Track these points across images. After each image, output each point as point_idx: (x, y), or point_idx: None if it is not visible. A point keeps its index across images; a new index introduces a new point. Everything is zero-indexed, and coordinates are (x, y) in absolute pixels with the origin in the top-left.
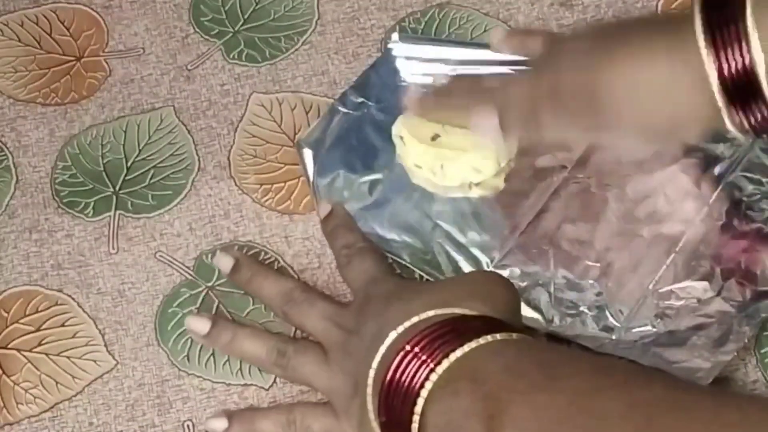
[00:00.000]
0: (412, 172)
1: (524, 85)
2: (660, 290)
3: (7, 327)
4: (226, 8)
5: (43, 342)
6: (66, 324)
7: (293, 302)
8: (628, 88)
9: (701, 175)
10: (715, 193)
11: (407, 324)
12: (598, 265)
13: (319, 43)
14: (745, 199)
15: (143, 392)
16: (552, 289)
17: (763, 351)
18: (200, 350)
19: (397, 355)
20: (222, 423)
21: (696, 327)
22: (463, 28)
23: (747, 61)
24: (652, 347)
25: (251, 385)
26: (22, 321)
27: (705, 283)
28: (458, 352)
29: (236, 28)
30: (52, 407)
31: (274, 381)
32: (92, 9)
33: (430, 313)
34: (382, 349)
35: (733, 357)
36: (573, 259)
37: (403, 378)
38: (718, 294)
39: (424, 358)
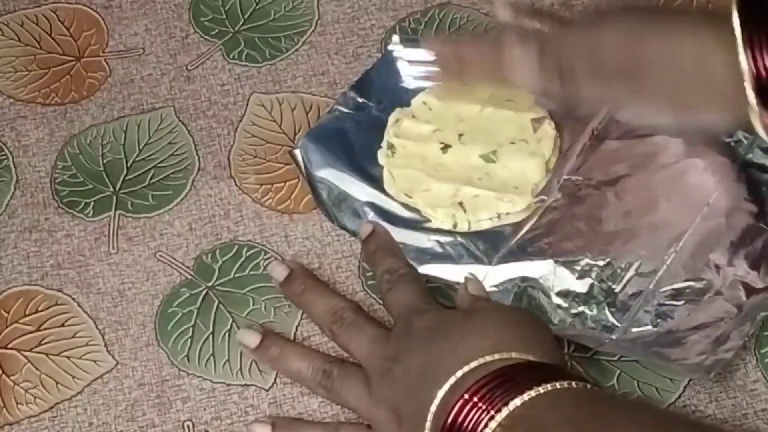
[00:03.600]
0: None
1: (566, 38)
2: (660, 290)
3: (7, 327)
4: (226, 8)
5: (43, 342)
6: (66, 324)
7: (341, 322)
8: (668, 56)
9: (702, 176)
10: (715, 193)
11: (466, 369)
12: (598, 264)
13: (319, 44)
14: (745, 197)
15: (143, 392)
16: (552, 289)
17: (763, 351)
18: (200, 350)
19: (457, 402)
20: (265, 430)
21: (696, 327)
22: (463, 29)
23: None
24: (653, 347)
25: (251, 385)
26: (22, 321)
27: (705, 283)
28: (518, 401)
29: (236, 28)
30: (52, 407)
31: (274, 381)
32: (92, 9)
33: (488, 358)
34: (440, 394)
35: (733, 356)
36: (573, 258)
37: (464, 425)
38: (718, 294)
39: (484, 407)
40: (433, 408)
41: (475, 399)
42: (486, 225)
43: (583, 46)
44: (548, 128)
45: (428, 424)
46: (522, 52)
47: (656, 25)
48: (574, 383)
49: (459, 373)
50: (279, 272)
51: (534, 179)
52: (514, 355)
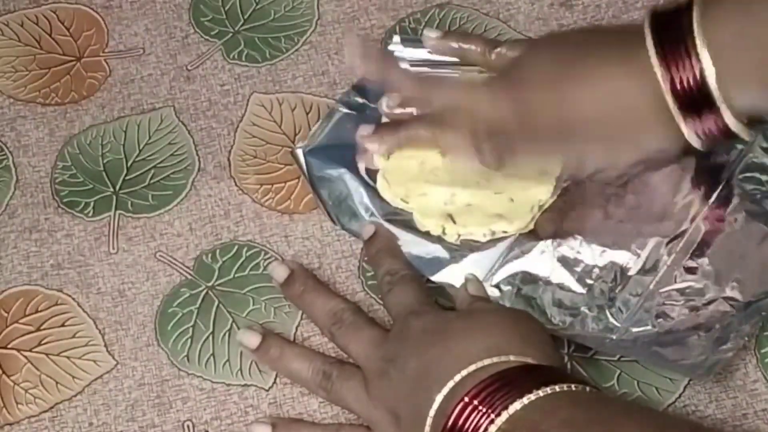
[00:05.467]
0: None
1: (491, 109)
2: (660, 290)
3: (7, 327)
4: (226, 8)
5: (43, 342)
6: (66, 324)
7: (341, 323)
8: (591, 103)
9: (702, 175)
10: (715, 193)
11: (464, 372)
12: (599, 265)
13: (319, 44)
14: (747, 198)
15: (143, 392)
16: (552, 289)
17: (763, 351)
18: (200, 350)
19: (457, 405)
20: (266, 430)
21: (696, 327)
22: (463, 29)
23: (698, 74)
24: (653, 347)
25: (251, 385)
26: (22, 321)
27: (705, 283)
28: (518, 404)
29: (236, 29)
30: (52, 407)
31: (274, 381)
32: (92, 9)
33: (487, 361)
34: (439, 398)
35: (733, 356)
36: (573, 259)
37: (464, 428)
38: (718, 294)
39: (484, 410)
40: (432, 412)
41: (475, 402)
42: (479, 239)
43: (511, 111)
44: None
45: (428, 429)
46: (454, 137)
47: (574, 70)
48: (573, 386)
49: (457, 377)
50: (279, 273)
51: (539, 196)
52: (512, 357)
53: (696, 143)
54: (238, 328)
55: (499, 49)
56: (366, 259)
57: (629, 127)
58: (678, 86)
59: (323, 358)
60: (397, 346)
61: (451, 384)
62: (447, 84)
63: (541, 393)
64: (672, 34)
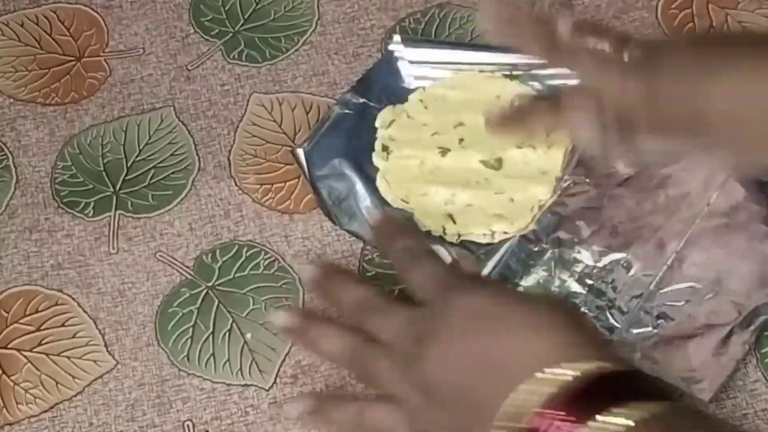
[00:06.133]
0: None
1: (619, 93)
2: (660, 291)
3: (7, 327)
4: (226, 8)
5: (43, 342)
6: (66, 324)
7: (368, 311)
8: (730, 101)
9: (707, 175)
10: (715, 194)
11: (548, 373)
12: (599, 265)
13: (319, 44)
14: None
15: (143, 392)
16: (553, 289)
17: (763, 351)
18: (200, 350)
19: (543, 411)
20: (299, 409)
21: (697, 329)
22: (463, 28)
23: None
24: (653, 353)
25: (251, 385)
26: (22, 321)
27: (706, 284)
28: (617, 419)
29: (236, 28)
30: (52, 407)
31: (275, 381)
32: (92, 9)
33: (571, 364)
34: (513, 395)
35: (734, 368)
36: (572, 259)
37: None
38: (719, 294)
39: (570, 417)
40: (504, 408)
41: (565, 411)
42: (478, 240)
43: (641, 99)
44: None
45: (499, 423)
46: (581, 114)
47: (717, 72)
48: (664, 404)
49: (539, 375)
50: (308, 273)
51: (539, 196)
52: (595, 364)
53: None
54: (239, 328)
55: (631, 50)
56: (375, 244)
57: (765, 129)
58: None
59: (358, 337)
60: (435, 326)
61: (529, 383)
62: (579, 60)
63: (639, 412)
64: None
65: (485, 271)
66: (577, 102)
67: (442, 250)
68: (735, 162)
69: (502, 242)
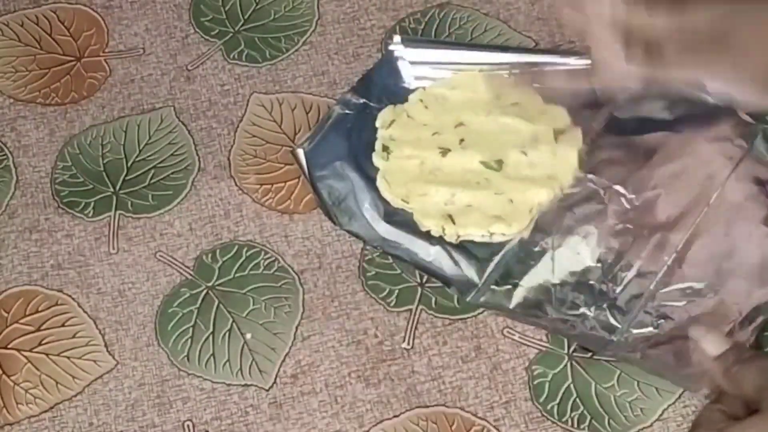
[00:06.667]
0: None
1: (647, 16)
2: (661, 291)
3: (7, 327)
4: (226, 8)
5: (43, 342)
6: (66, 324)
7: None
8: (758, 32)
9: (706, 176)
10: (715, 194)
11: None
12: (599, 266)
13: (319, 44)
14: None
15: (143, 392)
16: (554, 289)
17: (763, 351)
18: (200, 350)
19: None
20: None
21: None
22: (463, 29)
23: None
24: (654, 352)
25: (251, 385)
26: (22, 321)
27: (706, 284)
28: None
29: (236, 29)
30: (52, 407)
31: (275, 381)
32: (92, 9)
33: None
34: None
35: None
36: (574, 259)
37: None
38: (719, 294)
39: None
40: None
41: None
42: (477, 239)
43: (669, 23)
44: (574, 137)
45: None
46: (608, 44)
47: (750, 7)
48: None
49: None
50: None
51: (538, 199)
52: None
53: None
54: (239, 328)
55: None
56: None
57: None
58: None
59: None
60: None
61: None
62: None
63: None
64: None
65: (486, 271)
66: (604, 35)
67: (442, 252)
68: (754, 96)
69: (502, 244)
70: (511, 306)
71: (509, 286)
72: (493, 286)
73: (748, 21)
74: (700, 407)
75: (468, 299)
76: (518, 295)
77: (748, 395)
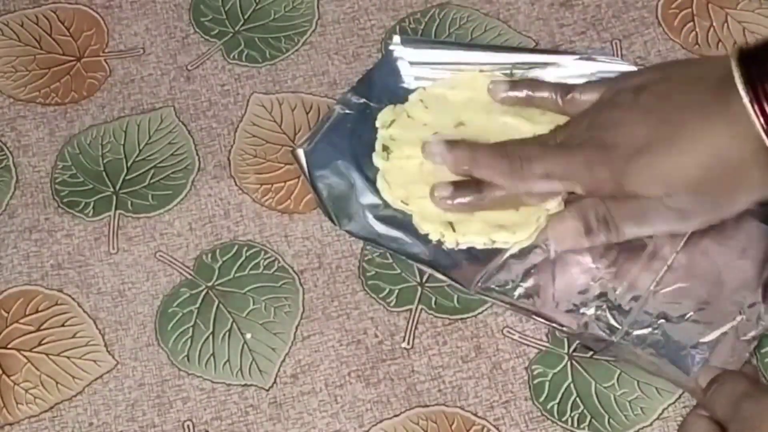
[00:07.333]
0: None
1: (590, 182)
2: (661, 291)
3: (7, 327)
4: (227, 8)
5: (43, 342)
6: (66, 324)
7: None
8: (695, 166)
9: None
10: None
11: None
12: (599, 266)
13: (319, 44)
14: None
15: (143, 392)
16: (553, 290)
17: (763, 351)
18: (200, 350)
19: None
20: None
21: (699, 330)
22: (463, 29)
23: None
24: (654, 352)
25: (251, 385)
26: (22, 321)
27: (706, 283)
28: None
29: (236, 29)
30: (52, 407)
31: (274, 381)
32: (92, 9)
33: None
34: None
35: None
36: (573, 259)
37: None
38: (719, 294)
39: None
40: None
41: None
42: (478, 246)
43: (608, 184)
44: None
45: None
46: (564, 227)
47: (668, 134)
48: None
49: None
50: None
51: (547, 206)
52: None
53: None
54: (239, 328)
55: (572, 95)
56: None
57: (734, 180)
58: None
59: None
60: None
61: None
62: (537, 157)
63: None
64: (763, 69)
65: (480, 276)
66: (558, 218)
67: (442, 253)
68: (711, 221)
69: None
70: (515, 296)
71: (509, 286)
72: (491, 287)
73: (681, 162)
74: None
75: (470, 292)
76: (519, 290)
77: (718, 420)
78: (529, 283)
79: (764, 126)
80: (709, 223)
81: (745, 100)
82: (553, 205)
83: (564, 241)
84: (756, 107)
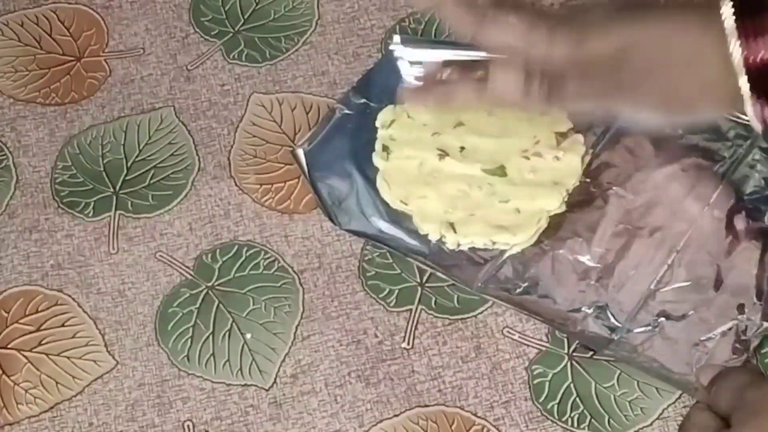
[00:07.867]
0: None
1: (547, 49)
2: (661, 290)
3: (7, 327)
4: (226, 8)
5: (43, 342)
6: (66, 324)
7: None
8: (657, 53)
9: (702, 175)
10: (716, 193)
11: None
12: (599, 266)
13: (319, 44)
14: (745, 198)
15: (143, 392)
16: (553, 290)
17: (763, 351)
18: (200, 350)
19: None
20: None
21: (699, 329)
22: None
23: None
24: (654, 351)
25: (251, 385)
26: (22, 321)
27: (706, 283)
28: None
29: (236, 29)
30: (52, 407)
31: (274, 381)
32: (92, 9)
33: None
34: None
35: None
36: (573, 259)
37: None
38: (719, 293)
39: None
40: None
41: None
42: (479, 246)
43: (568, 58)
44: (577, 142)
45: None
46: (504, 79)
47: (644, 23)
48: None
49: None
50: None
51: (548, 206)
52: None
53: (757, 127)
54: (239, 328)
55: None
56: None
57: (691, 88)
58: (754, 61)
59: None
60: None
61: None
62: (504, 23)
63: None
64: (756, 2)
65: (482, 275)
66: (502, 67)
67: (442, 253)
68: (657, 120)
69: (504, 250)
70: (516, 293)
71: (510, 285)
72: (492, 285)
73: (643, 49)
74: None
75: (471, 289)
76: (519, 289)
77: (723, 413)
78: (530, 282)
79: (744, 59)
80: (656, 114)
81: (729, 25)
82: (555, 205)
83: (500, 90)
84: (741, 36)
